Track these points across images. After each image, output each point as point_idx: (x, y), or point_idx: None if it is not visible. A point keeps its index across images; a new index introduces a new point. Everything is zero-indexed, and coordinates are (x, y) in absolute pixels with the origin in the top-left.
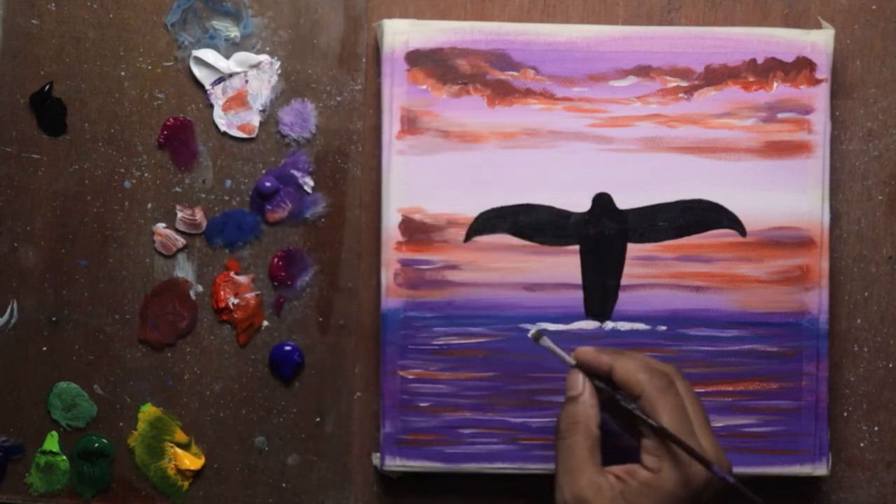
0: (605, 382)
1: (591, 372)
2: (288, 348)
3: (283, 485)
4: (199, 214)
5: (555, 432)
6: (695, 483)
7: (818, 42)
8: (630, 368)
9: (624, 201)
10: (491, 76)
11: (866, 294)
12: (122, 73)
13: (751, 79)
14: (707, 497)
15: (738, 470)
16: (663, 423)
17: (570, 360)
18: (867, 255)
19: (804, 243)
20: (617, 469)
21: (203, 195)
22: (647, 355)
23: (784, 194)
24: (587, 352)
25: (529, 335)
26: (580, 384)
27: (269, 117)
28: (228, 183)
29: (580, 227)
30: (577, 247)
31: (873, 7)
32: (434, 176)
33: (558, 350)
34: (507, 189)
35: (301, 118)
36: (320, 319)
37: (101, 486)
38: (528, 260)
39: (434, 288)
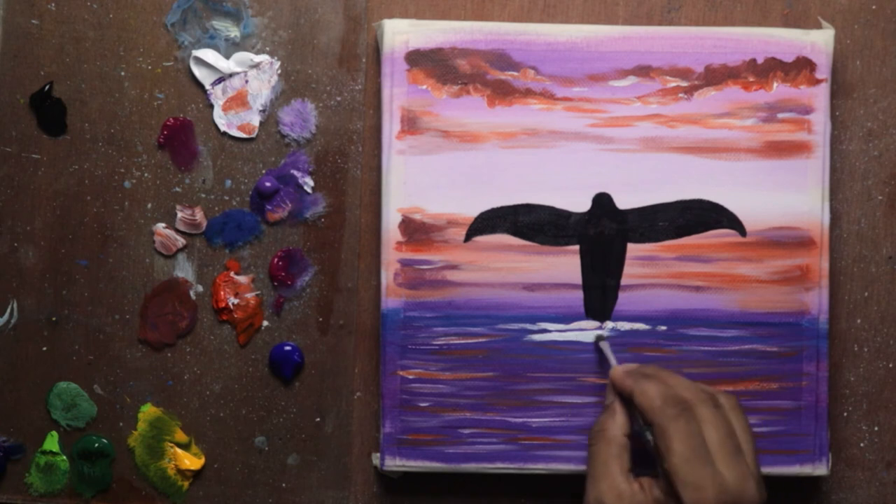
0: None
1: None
2: (288, 348)
3: (283, 485)
4: (199, 214)
5: (590, 444)
6: (695, 499)
7: (818, 42)
8: (648, 395)
9: (624, 201)
10: (491, 76)
11: (866, 294)
12: (122, 73)
13: (751, 79)
14: None
15: None
16: (673, 450)
17: (611, 371)
18: (867, 255)
19: (804, 243)
20: (643, 479)
21: (203, 195)
22: (681, 377)
23: (784, 194)
24: (616, 372)
25: (593, 338)
26: (610, 396)
27: (269, 117)
28: (228, 183)
29: (580, 227)
30: (577, 247)
31: (873, 7)
32: (434, 176)
33: (611, 358)
34: (507, 189)
35: (301, 118)
36: (320, 319)
37: (101, 486)
38: (528, 260)
39: (434, 288)
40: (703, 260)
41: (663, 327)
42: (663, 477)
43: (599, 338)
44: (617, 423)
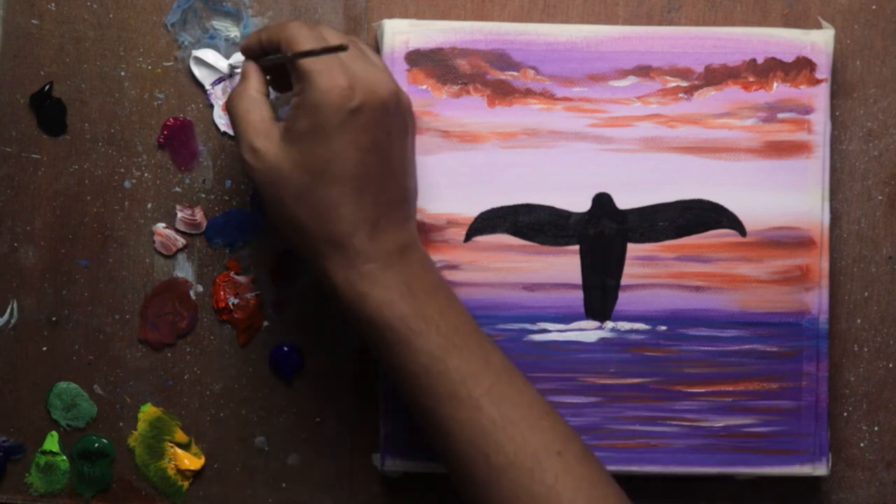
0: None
1: (260, 54)
2: (288, 348)
3: (283, 485)
4: (199, 214)
5: (228, 112)
6: (335, 92)
7: (818, 42)
8: (269, 27)
9: (624, 201)
10: (491, 76)
11: (866, 294)
12: (122, 73)
13: (751, 79)
14: (352, 106)
15: (738, 470)
16: (299, 42)
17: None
18: (867, 255)
19: (804, 243)
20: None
21: (203, 195)
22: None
23: (784, 194)
24: (244, 39)
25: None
26: (242, 67)
27: None
28: (228, 183)
29: (580, 227)
30: (577, 247)
31: (873, 7)
32: (434, 176)
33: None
34: (507, 189)
35: None
36: (320, 319)
37: (101, 486)
38: (528, 260)
39: None
40: (703, 260)
41: (663, 327)
42: (295, 77)
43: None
44: (250, 86)
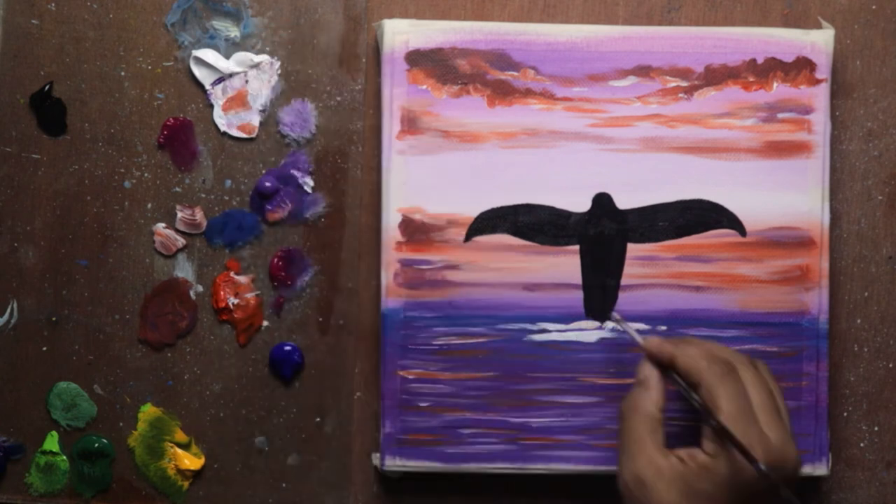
0: (672, 372)
1: (657, 361)
2: (288, 348)
3: (283, 485)
4: (199, 214)
5: (623, 417)
6: (748, 472)
7: (818, 42)
8: (691, 355)
9: (624, 201)
10: (491, 76)
11: (866, 294)
12: (122, 73)
13: (751, 79)
14: (762, 487)
15: None
16: (722, 410)
17: (642, 342)
18: (867, 255)
19: (804, 243)
20: (680, 451)
21: (203, 195)
22: (716, 343)
23: (784, 194)
24: (652, 342)
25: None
26: (644, 371)
27: (269, 117)
28: (228, 183)
29: (580, 227)
30: (577, 247)
31: (873, 7)
32: (434, 176)
33: (635, 334)
34: (507, 189)
35: (301, 118)
36: (320, 319)
37: (101, 486)
38: (528, 260)
39: (434, 288)
40: (703, 260)
41: (663, 327)
42: (712, 438)
43: (615, 319)
44: (651, 399)
